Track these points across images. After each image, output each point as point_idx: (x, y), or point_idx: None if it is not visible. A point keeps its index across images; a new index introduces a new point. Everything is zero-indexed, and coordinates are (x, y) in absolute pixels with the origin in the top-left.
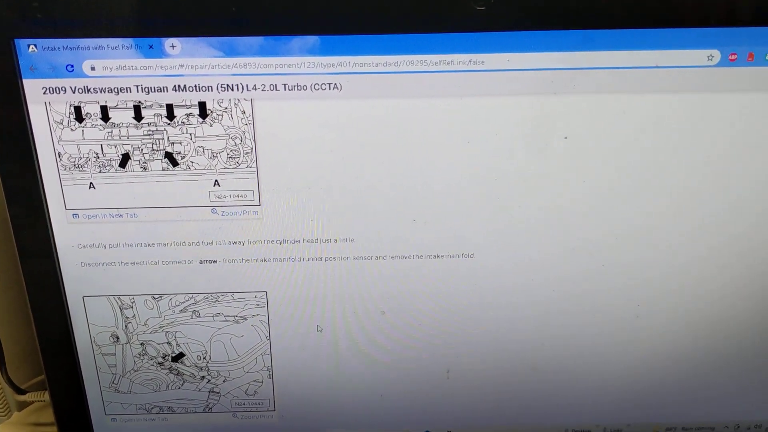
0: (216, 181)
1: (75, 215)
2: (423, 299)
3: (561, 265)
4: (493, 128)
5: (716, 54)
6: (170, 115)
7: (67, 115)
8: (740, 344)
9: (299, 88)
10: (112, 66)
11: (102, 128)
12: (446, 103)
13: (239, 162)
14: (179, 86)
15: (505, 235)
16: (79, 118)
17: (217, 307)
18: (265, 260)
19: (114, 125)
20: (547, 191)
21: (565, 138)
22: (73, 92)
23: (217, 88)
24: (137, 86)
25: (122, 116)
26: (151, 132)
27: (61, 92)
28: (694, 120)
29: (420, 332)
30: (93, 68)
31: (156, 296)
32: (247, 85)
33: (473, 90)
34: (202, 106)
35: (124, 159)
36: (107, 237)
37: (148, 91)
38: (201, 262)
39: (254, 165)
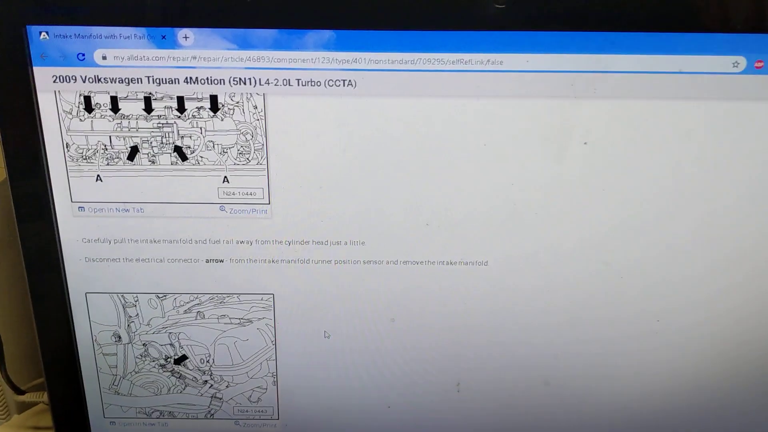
0: (225, 177)
1: (81, 208)
2: (434, 307)
3: (578, 275)
4: (510, 132)
5: (742, 61)
6: (181, 108)
7: (77, 104)
8: (765, 361)
9: (313, 83)
10: (124, 56)
11: (111, 119)
12: (463, 103)
13: (249, 158)
14: (191, 78)
15: (520, 243)
16: (89, 108)
17: (223, 308)
18: (273, 261)
19: (123, 117)
20: (565, 199)
21: (585, 144)
22: (84, 81)
23: (230, 82)
24: (148, 77)
25: (132, 108)
26: (161, 125)
27: (72, 81)
28: (718, 128)
29: (430, 342)
30: (104, 57)
31: (160, 295)
32: (259, 80)
33: (491, 91)
34: (213, 99)
35: (133, 152)
36: (113, 232)
37: (159, 83)
38: (207, 261)
39: (265, 162)
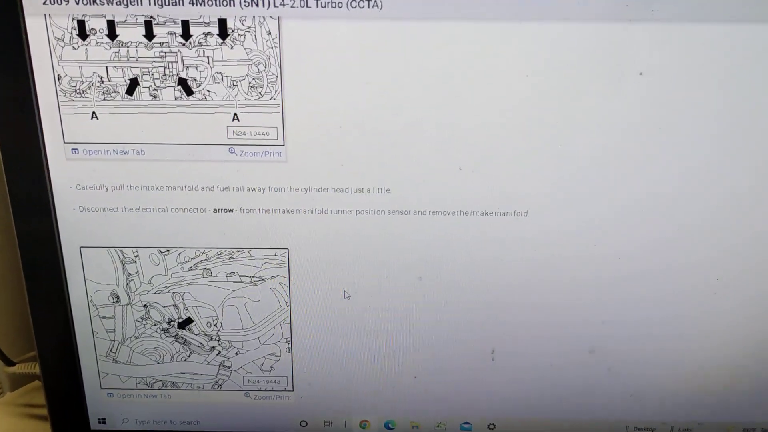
0: (235, 114)
1: (74, 150)
2: (467, 264)
3: (630, 228)
4: (555, 60)
5: None
6: (186, 34)
7: (69, 30)
8: None
9: (333, 4)
10: None
11: (108, 47)
12: (502, 28)
13: (262, 93)
14: None
15: (565, 190)
16: (83, 34)
17: (232, 265)
18: (287, 211)
19: (122, 44)
20: (617, 138)
21: (640, 74)
22: (77, 3)
23: (240, 3)
24: None
25: (131, 34)
26: (163, 53)
27: (63, 2)
28: None
29: (462, 303)
30: None
31: (163, 250)
32: (274, 0)
33: (535, 13)
34: (222, 24)
35: (132, 84)
36: (110, 177)
37: (162, 5)
38: (215, 211)
39: (279, 97)
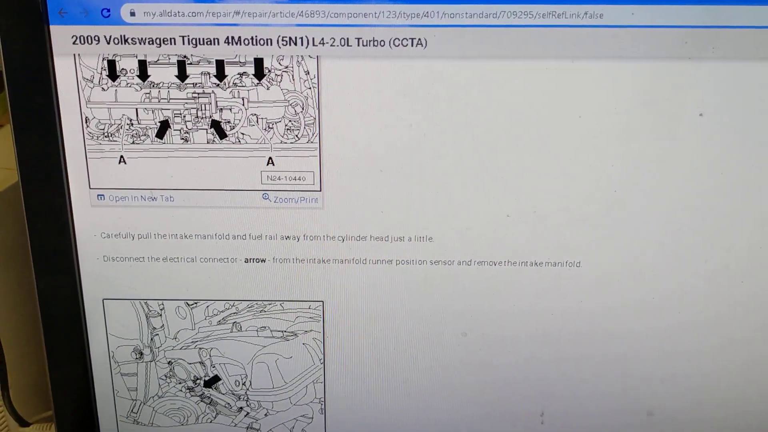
0: (270, 158)
1: (100, 196)
2: (515, 319)
3: (692, 278)
4: (610, 101)
5: None
6: (220, 75)
7: (99, 70)
8: None
9: (375, 43)
10: (156, 11)
11: (139, 88)
12: (554, 66)
13: (299, 135)
14: (233, 38)
15: (620, 238)
16: (113, 74)
17: (263, 318)
18: (323, 261)
19: (153, 85)
20: (676, 183)
21: (701, 115)
22: (108, 42)
23: (278, 42)
24: (183, 37)
25: (163, 74)
26: (196, 95)
27: (94, 42)
28: None
29: (509, 361)
30: (133, 13)
31: (190, 302)
32: (313, 39)
33: (588, 51)
34: (258, 63)
35: (163, 127)
36: (137, 225)
37: (196, 44)
38: (247, 261)
39: (317, 140)
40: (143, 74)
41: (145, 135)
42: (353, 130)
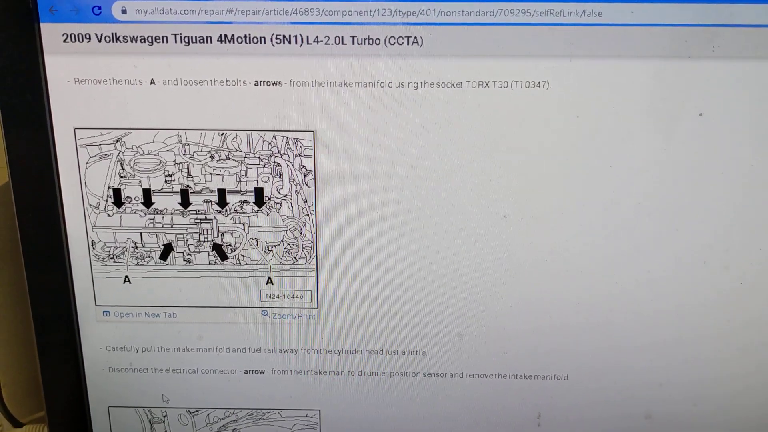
0: (269, 278)
1: (106, 313)
2: (514, 319)
3: (690, 282)
4: (607, 100)
5: None
6: (222, 202)
7: (105, 198)
8: None
9: (370, 41)
10: (147, 9)
11: (143, 215)
12: (552, 66)
13: (297, 257)
14: (225, 37)
15: (618, 242)
16: (118, 202)
17: (262, 426)
18: (320, 373)
19: (157, 211)
20: (676, 184)
21: (700, 115)
22: (99, 41)
23: (272, 41)
24: (175, 35)
25: (167, 202)
26: (198, 220)
27: (85, 40)
28: None
29: (507, 362)
30: (124, 11)
31: (192, 410)
32: (307, 37)
33: (586, 49)
34: (258, 192)
35: (166, 250)
36: (140, 339)
37: (188, 42)
38: (246, 372)
39: (314, 261)
40: (147, 202)
41: (149, 257)
42: (348, 254)
